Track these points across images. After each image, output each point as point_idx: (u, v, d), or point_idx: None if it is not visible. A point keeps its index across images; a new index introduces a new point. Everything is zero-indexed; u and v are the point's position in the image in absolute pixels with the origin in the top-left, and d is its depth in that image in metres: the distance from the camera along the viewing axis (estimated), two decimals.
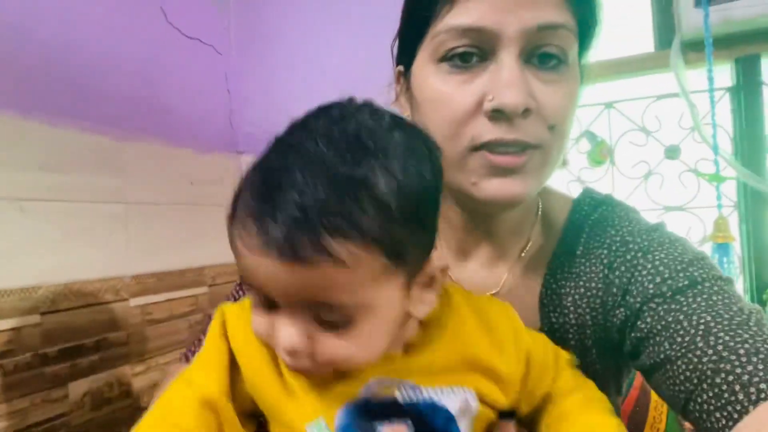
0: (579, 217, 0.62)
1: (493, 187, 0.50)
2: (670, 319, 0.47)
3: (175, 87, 1.37)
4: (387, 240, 0.36)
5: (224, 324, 0.48)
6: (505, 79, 0.48)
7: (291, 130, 0.41)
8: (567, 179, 1.35)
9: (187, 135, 1.38)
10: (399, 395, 0.43)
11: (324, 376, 0.42)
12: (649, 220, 0.60)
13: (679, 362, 0.45)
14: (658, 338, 0.48)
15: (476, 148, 0.50)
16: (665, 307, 0.49)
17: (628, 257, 0.55)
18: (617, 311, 0.54)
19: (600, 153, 1.31)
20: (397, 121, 0.41)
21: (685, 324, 0.46)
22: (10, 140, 0.98)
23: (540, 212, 0.64)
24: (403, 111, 0.59)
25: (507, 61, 0.48)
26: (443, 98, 0.51)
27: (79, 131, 1.10)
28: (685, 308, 0.47)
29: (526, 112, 0.48)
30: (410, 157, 0.39)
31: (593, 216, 0.61)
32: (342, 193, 0.35)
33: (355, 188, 0.35)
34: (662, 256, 0.52)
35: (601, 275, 0.56)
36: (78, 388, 1.07)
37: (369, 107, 0.42)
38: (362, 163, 0.37)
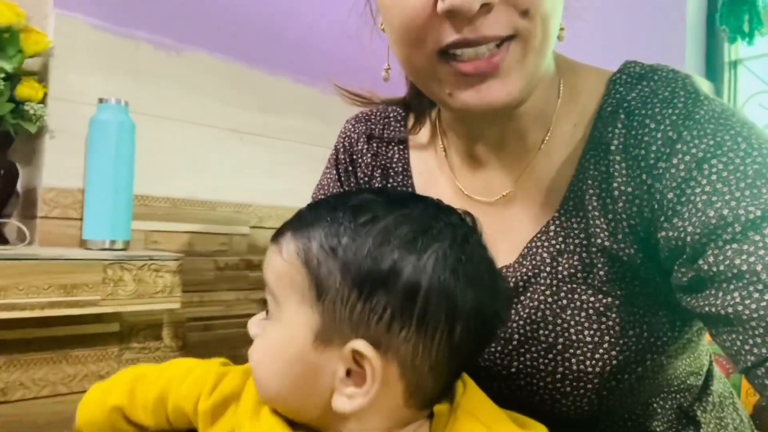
0: (614, 100, 0.50)
1: (470, 97, 0.44)
2: (744, 267, 0.38)
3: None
4: (319, 269, 0.38)
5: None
6: None
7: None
8: None
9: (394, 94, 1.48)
10: None
11: None
12: (706, 101, 0.45)
13: (753, 323, 0.37)
14: (725, 285, 0.39)
15: (442, 53, 0.44)
16: (734, 246, 0.39)
17: (675, 162, 0.43)
18: (666, 233, 0.44)
19: None
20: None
21: (764, 276, 0.37)
22: (237, 84, 1.21)
23: (561, 96, 0.53)
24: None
25: None
26: (395, 1, 0.44)
27: (292, 82, 1.30)
28: (762, 252, 0.38)
29: (486, 6, 0.41)
30: (411, 247, 0.37)
31: (629, 97, 0.49)
32: (330, 221, 0.39)
33: (339, 223, 0.38)
34: (721, 167, 0.41)
35: (638, 180, 0.46)
36: None
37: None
38: (366, 217, 0.38)
